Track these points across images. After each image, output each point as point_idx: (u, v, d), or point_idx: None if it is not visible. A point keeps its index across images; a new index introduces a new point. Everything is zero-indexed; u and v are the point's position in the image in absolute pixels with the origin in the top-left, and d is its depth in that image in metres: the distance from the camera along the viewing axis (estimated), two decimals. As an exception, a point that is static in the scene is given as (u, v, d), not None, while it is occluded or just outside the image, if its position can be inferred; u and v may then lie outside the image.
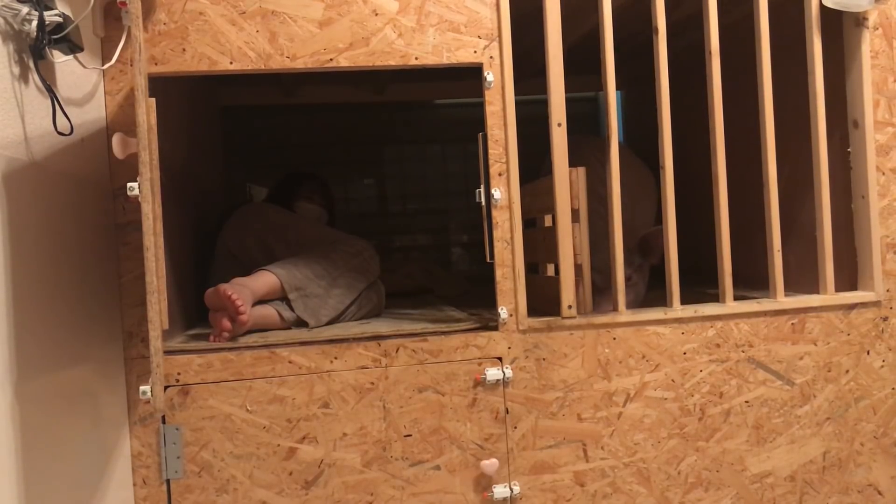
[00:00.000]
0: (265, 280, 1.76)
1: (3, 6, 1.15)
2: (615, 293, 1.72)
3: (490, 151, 1.65)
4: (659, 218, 1.84)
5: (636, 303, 1.94)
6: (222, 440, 1.56)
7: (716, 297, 1.80)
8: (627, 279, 1.95)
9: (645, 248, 2.01)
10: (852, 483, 1.81)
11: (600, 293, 1.83)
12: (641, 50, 2.24)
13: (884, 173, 1.82)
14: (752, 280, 2.10)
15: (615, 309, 1.72)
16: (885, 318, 1.81)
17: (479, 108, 1.67)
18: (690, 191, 2.38)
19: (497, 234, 1.65)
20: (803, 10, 1.81)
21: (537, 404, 1.67)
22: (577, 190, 1.68)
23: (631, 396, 1.70)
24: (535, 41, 1.81)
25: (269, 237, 1.98)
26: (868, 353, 1.80)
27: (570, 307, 1.66)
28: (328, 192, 2.42)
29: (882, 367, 1.81)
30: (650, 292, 2.02)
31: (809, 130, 1.82)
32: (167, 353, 1.54)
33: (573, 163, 1.69)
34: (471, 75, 1.70)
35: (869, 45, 1.80)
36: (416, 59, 1.62)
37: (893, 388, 1.81)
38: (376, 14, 1.61)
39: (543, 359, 1.67)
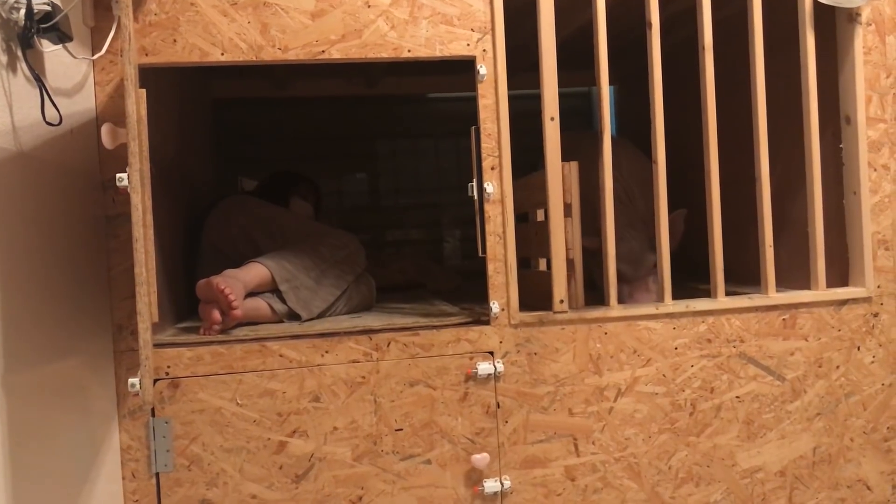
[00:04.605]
0: (256, 272, 1.75)
1: (-9, -6, 1.14)
2: (607, 287, 1.72)
3: (483, 145, 1.64)
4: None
5: (658, 292, 1.93)
6: (212, 434, 1.55)
7: (707, 293, 1.80)
8: (653, 266, 1.95)
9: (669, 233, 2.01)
10: (842, 478, 1.81)
11: (629, 284, 1.83)
12: (635, 45, 2.23)
13: (875, 169, 1.82)
14: (743, 276, 2.11)
15: (607, 302, 1.72)
16: (876, 314, 1.81)
17: (472, 101, 1.66)
18: (683, 186, 2.38)
19: (489, 228, 1.65)
20: (796, 5, 1.81)
21: (528, 399, 1.67)
22: (570, 184, 1.67)
23: (622, 391, 1.70)
24: (528, 35, 1.80)
25: (253, 230, 1.97)
26: (858, 348, 1.81)
27: (561, 302, 1.66)
28: (320, 192, 2.47)
29: (872, 362, 1.81)
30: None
31: (802, 126, 1.82)
32: (157, 345, 1.53)
33: (575, 158, 1.68)
34: (464, 69, 1.69)
35: (862, 41, 1.81)
36: (409, 51, 1.62)
37: (883, 384, 1.82)
38: (369, 6, 1.60)
39: (535, 353, 1.67)
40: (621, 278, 1.83)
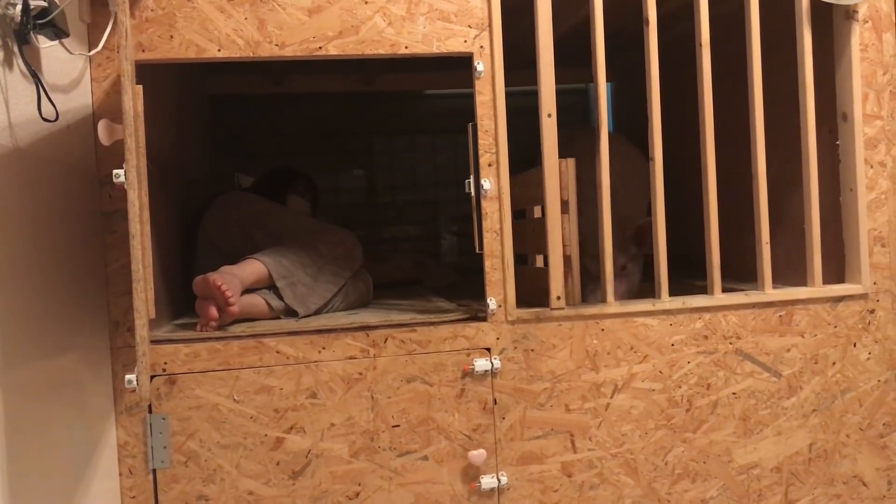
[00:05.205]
0: (253, 268, 1.75)
1: (-13, -10, 1.14)
2: (604, 283, 1.72)
3: (480, 142, 1.64)
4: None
5: (630, 293, 1.94)
6: (209, 430, 1.55)
7: (704, 289, 1.80)
8: (622, 268, 1.95)
9: (641, 238, 2.02)
10: (837, 474, 1.82)
11: (595, 281, 1.83)
12: (632, 41, 2.23)
13: (872, 166, 1.82)
14: (740, 272, 2.11)
15: (603, 299, 1.72)
16: (872, 311, 1.82)
17: (470, 98, 1.66)
18: (680, 183, 2.38)
19: (486, 224, 1.65)
20: (793, 2, 1.81)
21: (525, 395, 1.67)
22: (567, 181, 1.67)
23: (619, 387, 1.71)
24: (525, 32, 1.80)
25: (250, 225, 1.97)
26: (854, 345, 1.81)
27: (558, 298, 1.66)
28: (317, 191, 2.47)
29: (868, 359, 1.82)
30: (641, 284, 2.03)
31: (799, 123, 1.83)
32: (154, 342, 1.53)
33: (570, 153, 1.68)
34: (461, 65, 1.69)
35: (858, 38, 1.81)
36: (406, 48, 1.61)
37: (879, 381, 1.82)
38: (366, 2, 1.60)
39: (532, 350, 1.67)
40: (589, 275, 1.83)
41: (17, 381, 1.17)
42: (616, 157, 2.09)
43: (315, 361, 1.59)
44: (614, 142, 2.15)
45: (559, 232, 1.66)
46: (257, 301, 1.75)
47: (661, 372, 1.72)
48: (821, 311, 1.79)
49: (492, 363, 1.63)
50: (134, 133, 1.24)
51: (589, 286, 1.79)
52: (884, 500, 1.85)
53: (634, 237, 2.01)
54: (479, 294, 1.72)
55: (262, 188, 2.32)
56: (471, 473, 1.65)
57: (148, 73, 1.65)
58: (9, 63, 1.20)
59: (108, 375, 1.55)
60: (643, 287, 1.93)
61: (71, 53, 1.44)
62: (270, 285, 1.78)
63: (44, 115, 1.29)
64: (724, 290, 1.79)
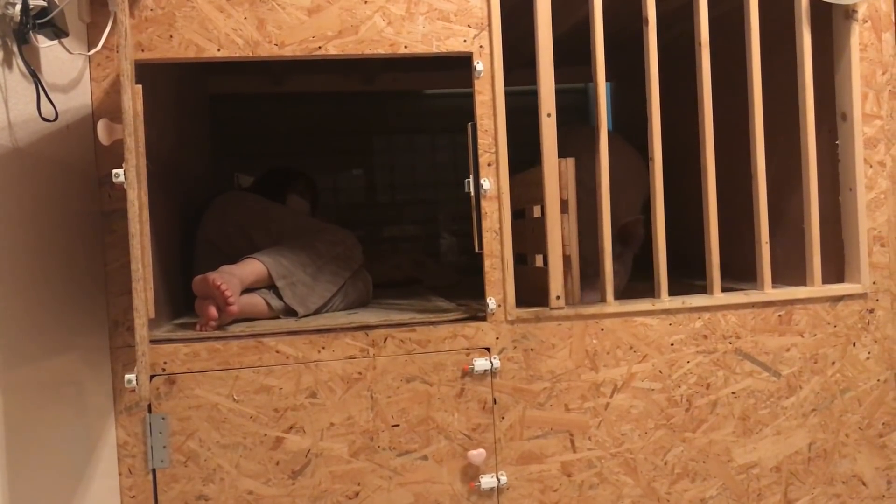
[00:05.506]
0: (253, 268, 1.75)
1: (-13, -11, 1.14)
2: (603, 283, 1.72)
3: (479, 141, 1.64)
4: (645, 207, 1.83)
5: (616, 292, 1.94)
6: (209, 430, 1.55)
7: (703, 289, 1.80)
8: None
9: (625, 237, 2.02)
10: (837, 474, 1.82)
11: (583, 280, 1.83)
12: (632, 41, 2.23)
13: (871, 166, 1.83)
14: (740, 272, 2.11)
15: (603, 299, 1.72)
16: (872, 311, 1.82)
17: (469, 98, 1.66)
18: (679, 182, 2.38)
19: (486, 224, 1.65)
20: (793, 2, 1.81)
21: (525, 395, 1.67)
22: (566, 180, 1.68)
23: (618, 387, 1.71)
24: (525, 31, 1.81)
25: (250, 226, 1.97)
26: (854, 344, 1.81)
27: (558, 298, 1.66)
28: (317, 190, 2.47)
29: (868, 358, 1.82)
30: (639, 284, 2.03)
31: (798, 123, 1.83)
32: (153, 341, 1.53)
33: (563, 151, 1.68)
34: (460, 65, 1.69)
35: (858, 37, 1.81)
36: (406, 47, 1.61)
37: (878, 380, 1.83)
38: (365, 2, 1.60)
39: (531, 349, 1.67)
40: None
41: (17, 380, 1.17)
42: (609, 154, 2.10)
43: (315, 361, 1.59)
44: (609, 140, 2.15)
45: (559, 231, 1.66)
46: (257, 301, 1.75)
47: (660, 371, 1.72)
48: (820, 310, 1.80)
49: (491, 363, 1.63)
50: (133, 133, 1.24)
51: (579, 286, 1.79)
52: (883, 500, 1.85)
53: (619, 236, 2.01)
54: (479, 294, 1.73)
55: (262, 188, 2.32)
56: (470, 473, 1.65)
57: (147, 72, 1.65)
58: (8, 63, 1.20)
59: (108, 375, 1.55)
60: (642, 287, 1.94)
61: (70, 53, 1.44)
62: (270, 285, 1.78)
63: (43, 115, 1.29)
64: (724, 290, 1.79)
